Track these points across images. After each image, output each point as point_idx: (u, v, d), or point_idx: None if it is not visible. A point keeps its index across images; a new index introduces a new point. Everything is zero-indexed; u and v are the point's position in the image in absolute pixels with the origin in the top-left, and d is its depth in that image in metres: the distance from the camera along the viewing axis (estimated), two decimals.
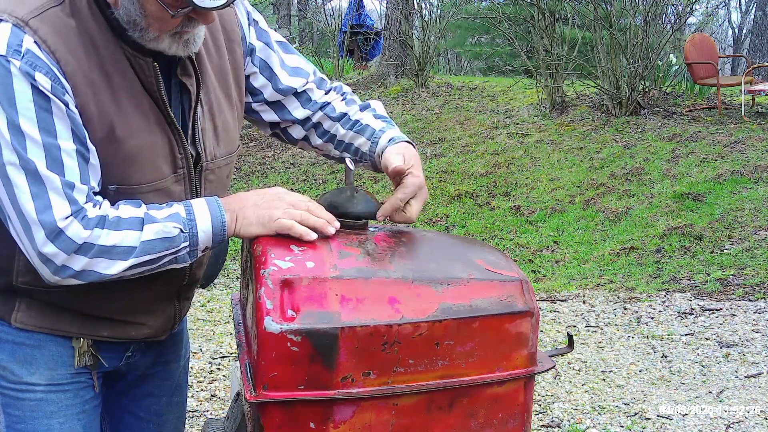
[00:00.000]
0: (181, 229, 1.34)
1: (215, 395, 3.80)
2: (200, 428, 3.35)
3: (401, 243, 1.45)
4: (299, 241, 1.38)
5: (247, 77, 1.58)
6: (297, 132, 1.65)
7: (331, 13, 15.43)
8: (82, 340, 1.48)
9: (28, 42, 1.26)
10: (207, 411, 3.62)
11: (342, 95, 1.66)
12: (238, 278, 6.03)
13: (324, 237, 1.40)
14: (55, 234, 1.27)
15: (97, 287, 1.40)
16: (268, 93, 1.59)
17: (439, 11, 13.77)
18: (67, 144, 1.27)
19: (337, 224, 1.41)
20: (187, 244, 1.35)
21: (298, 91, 1.60)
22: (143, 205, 1.35)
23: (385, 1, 13.18)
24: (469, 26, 16.05)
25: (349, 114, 1.62)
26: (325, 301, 1.27)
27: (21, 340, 1.45)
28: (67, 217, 1.27)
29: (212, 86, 1.47)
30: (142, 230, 1.31)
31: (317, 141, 1.64)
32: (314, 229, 1.38)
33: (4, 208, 1.29)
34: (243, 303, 1.59)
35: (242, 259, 1.63)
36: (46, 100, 1.25)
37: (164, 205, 1.37)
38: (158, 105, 1.38)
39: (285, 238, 1.39)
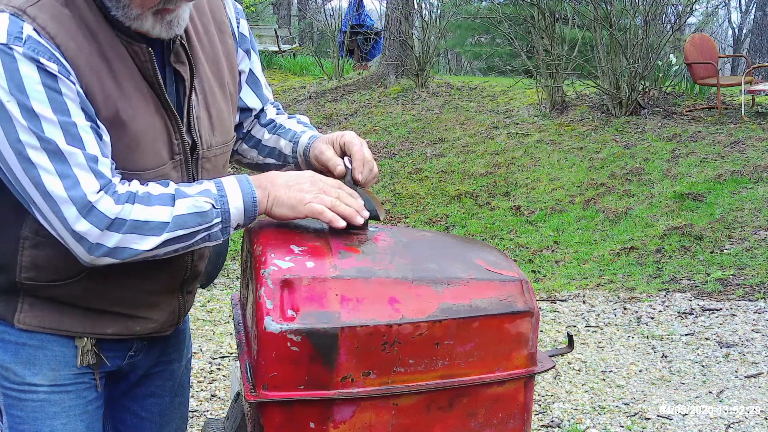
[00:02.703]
0: (213, 205, 1.34)
1: (215, 395, 3.80)
2: (200, 428, 3.35)
3: (401, 243, 1.45)
4: (301, 240, 1.38)
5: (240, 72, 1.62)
6: (240, 147, 1.71)
7: (331, 13, 15.45)
8: (85, 339, 1.47)
9: (28, 29, 1.26)
10: (207, 411, 3.62)
11: (276, 107, 1.72)
12: (238, 278, 6.03)
13: (323, 236, 1.40)
14: (88, 209, 1.27)
15: (101, 280, 1.41)
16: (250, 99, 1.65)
17: (439, 11, 13.78)
18: (81, 121, 1.28)
19: (366, 214, 1.43)
20: (219, 220, 1.35)
21: (260, 81, 1.67)
22: (171, 183, 1.36)
23: (385, 1, 13.18)
24: (469, 26, 16.06)
25: (276, 121, 1.68)
26: (325, 301, 1.27)
27: (23, 340, 1.45)
28: (98, 191, 1.27)
29: (205, 75, 1.49)
30: (173, 205, 1.31)
31: (243, 147, 1.69)
32: (343, 218, 1.39)
33: (27, 194, 1.28)
34: (243, 303, 1.59)
35: (242, 259, 1.63)
36: (54, 81, 1.26)
37: (193, 183, 1.38)
38: (155, 90, 1.39)
39: (285, 238, 1.39)
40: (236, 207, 1.36)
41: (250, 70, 1.64)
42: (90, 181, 1.27)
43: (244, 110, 1.66)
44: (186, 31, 1.45)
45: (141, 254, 1.31)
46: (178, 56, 1.43)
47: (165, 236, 1.31)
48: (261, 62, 1.71)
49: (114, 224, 1.28)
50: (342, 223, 1.38)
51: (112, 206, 1.28)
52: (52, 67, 1.26)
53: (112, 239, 1.29)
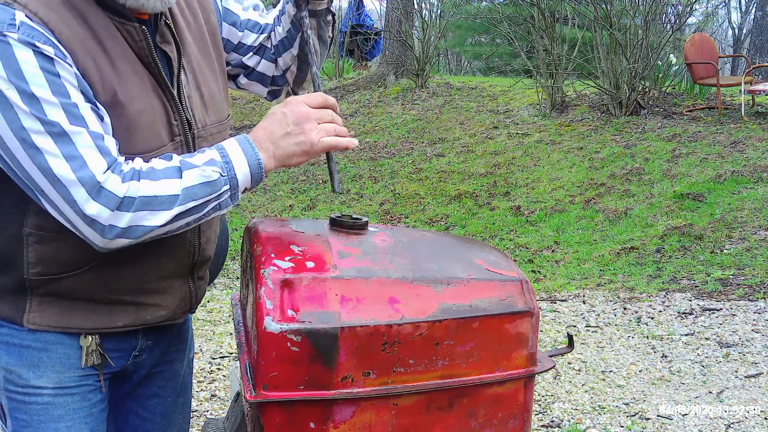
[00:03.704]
0: (220, 173, 1.32)
1: (215, 395, 3.80)
2: (200, 428, 3.35)
3: (401, 243, 1.45)
4: (301, 239, 1.38)
5: (228, 40, 1.62)
6: (281, 64, 1.68)
7: None
8: (90, 338, 1.46)
9: (20, 16, 1.26)
10: (207, 411, 3.62)
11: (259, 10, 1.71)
12: (238, 278, 6.03)
13: (323, 236, 1.40)
14: (97, 190, 1.25)
15: (108, 268, 1.40)
16: (248, 38, 1.65)
17: (439, 11, 13.78)
18: (82, 102, 1.28)
19: (354, 139, 1.45)
20: (228, 187, 1.34)
21: (251, 18, 1.66)
22: (174, 155, 1.34)
23: (385, 1, 13.18)
24: (469, 26, 16.05)
25: (268, 22, 1.67)
26: (325, 301, 1.27)
27: (28, 343, 1.44)
28: (105, 171, 1.26)
29: (193, 54, 1.49)
30: (181, 177, 1.30)
31: (283, 61, 1.67)
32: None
33: (35, 183, 1.27)
34: (243, 303, 1.59)
35: (242, 259, 1.63)
36: (51, 64, 1.25)
37: (196, 152, 1.36)
38: (150, 70, 1.39)
39: (285, 238, 1.39)
40: (242, 172, 1.34)
41: (248, 19, 1.64)
42: (97, 161, 1.26)
43: (255, 47, 1.65)
44: (171, 11, 1.46)
45: (154, 231, 1.30)
46: (163, 36, 1.43)
47: (176, 209, 1.30)
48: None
49: (123, 203, 1.27)
50: (355, 143, 1.40)
51: (119, 185, 1.27)
52: (48, 50, 1.25)
53: (124, 219, 1.27)
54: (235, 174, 1.34)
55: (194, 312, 1.63)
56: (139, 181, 1.28)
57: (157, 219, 1.29)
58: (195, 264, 1.55)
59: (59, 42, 1.28)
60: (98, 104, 1.31)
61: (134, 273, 1.45)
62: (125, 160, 1.31)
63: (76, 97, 1.27)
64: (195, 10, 1.53)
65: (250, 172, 1.35)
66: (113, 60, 1.34)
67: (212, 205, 1.33)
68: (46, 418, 1.46)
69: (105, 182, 1.26)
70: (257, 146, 1.36)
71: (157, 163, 1.32)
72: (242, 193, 1.37)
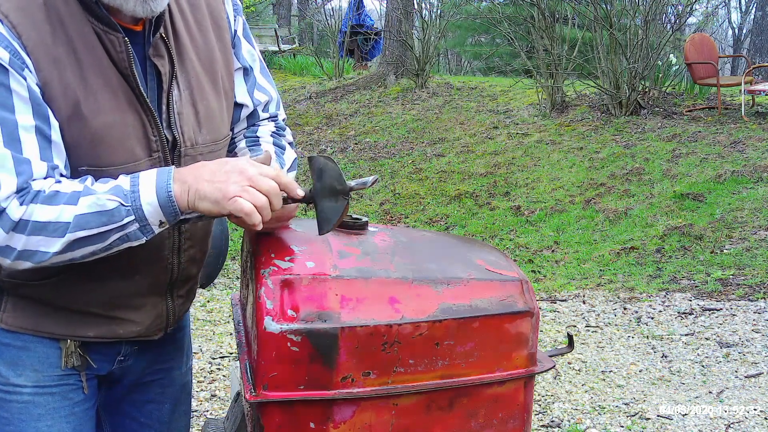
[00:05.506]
0: (121, 203, 1.24)
1: (215, 395, 3.80)
2: (200, 428, 3.35)
3: (401, 243, 1.45)
4: (302, 240, 1.38)
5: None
6: None
7: (331, 13, 15.45)
8: (69, 340, 1.45)
9: None
10: (207, 411, 3.62)
11: (277, 130, 1.63)
12: (238, 278, 6.03)
13: (324, 237, 1.40)
14: None
15: (79, 280, 1.38)
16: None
17: (439, 11, 13.77)
18: (26, 119, 1.24)
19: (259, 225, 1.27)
20: (132, 218, 1.25)
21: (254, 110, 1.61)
22: (90, 178, 1.28)
23: (385, 1, 13.19)
24: (469, 26, 16.06)
25: (261, 138, 1.60)
26: (325, 301, 1.27)
27: (8, 341, 1.43)
28: (10, 195, 1.22)
29: (194, 71, 1.44)
30: (76, 204, 1.23)
31: None
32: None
33: None
34: (243, 303, 1.59)
35: (242, 259, 1.63)
36: (4, 74, 1.23)
37: (111, 178, 1.28)
38: (129, 83, 1.34)
39: (285, 238, 1.39)
40: (149, 203, 1.25)
41: (249, 67, 1.59)
42: (8, 184, 1.22)
43: (235, 105, 1.59)
44: (173, 25, 1.42)
45: (52, 257, 1.25)
46: (156, 49, 1.38)
47: (68, 237, 1.23)
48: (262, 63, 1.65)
49: (18, 226, 1.22)
50: (258, 227, 1.26)
51: (17, 208, 1.22)
52: (5, 57, 1.22)
53: (19, 242, 1.23)
54: (140, 205, 1.24)
55: (169, 329, 1.57)
56: (36, 204, 1.23)
57: (52, 246, 1.24)
58: (174, 283, 1.51)
59: (23, 48, 1.25)
60: (51, 120, 1.27)
61: (106, 287, 1.42)
62: (47, 177, 1.25)
63: (21, 112, 1.23)
64: (205, 26, 1.48)
65: (159, 204, 1.25)
66: (84, 71, 1.30)
67: (116, 236, 1.25)
68: (27, 417, 1.45)
69: (7, 206, 1.22)
70: (176, 177, 1.26)
71: (66, 186, 1.25)
72: (161, 226, 1.28)
